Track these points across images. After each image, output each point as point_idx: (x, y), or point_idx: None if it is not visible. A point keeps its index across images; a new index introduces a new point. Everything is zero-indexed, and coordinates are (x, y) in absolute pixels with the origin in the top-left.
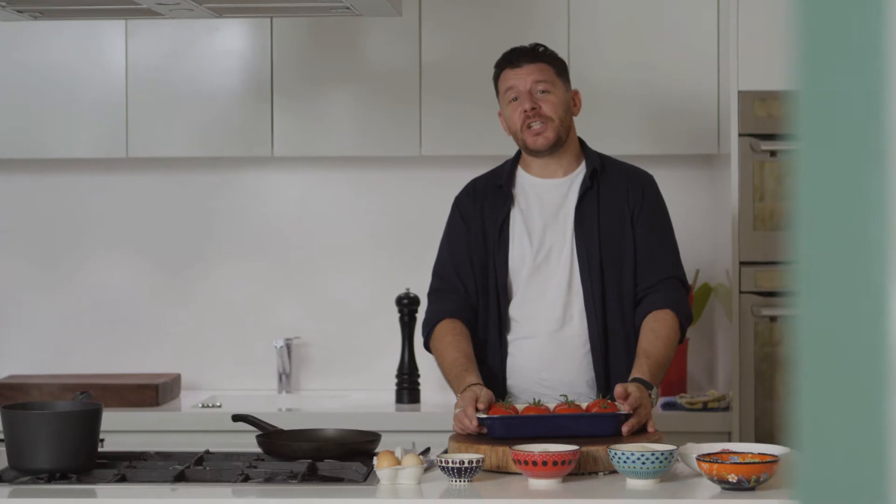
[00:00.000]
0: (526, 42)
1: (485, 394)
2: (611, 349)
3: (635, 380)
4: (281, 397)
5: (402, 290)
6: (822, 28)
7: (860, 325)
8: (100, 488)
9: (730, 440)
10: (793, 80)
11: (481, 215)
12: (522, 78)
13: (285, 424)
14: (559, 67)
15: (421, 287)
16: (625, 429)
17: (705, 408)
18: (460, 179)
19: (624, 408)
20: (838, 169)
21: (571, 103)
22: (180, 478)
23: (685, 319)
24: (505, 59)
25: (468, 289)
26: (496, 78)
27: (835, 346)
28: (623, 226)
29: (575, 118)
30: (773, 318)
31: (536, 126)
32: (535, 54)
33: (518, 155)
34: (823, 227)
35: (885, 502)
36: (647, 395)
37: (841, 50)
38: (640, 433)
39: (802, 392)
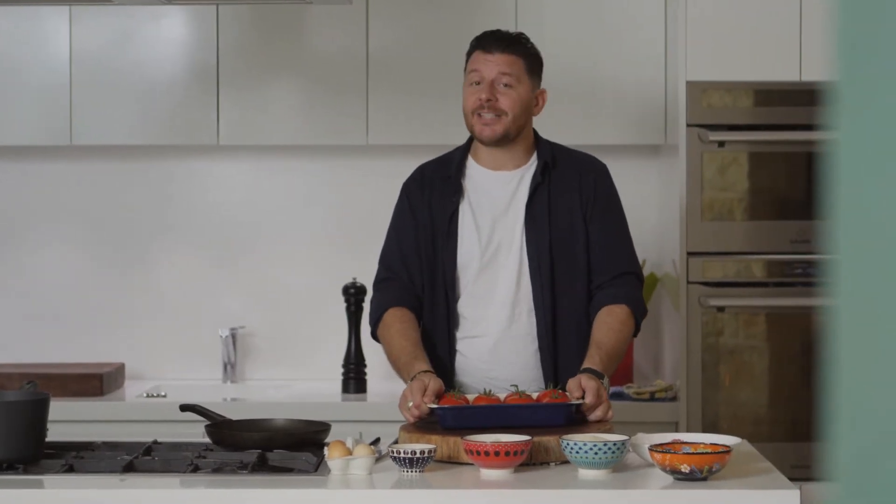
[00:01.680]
0: (470, 31)
1: (433, 382)
2: (559, 347)
3: (585, 370)
4: (226, 387)
5: (348, 280)
6: (864, 22)
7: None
8: (47, 479)
9: (677, 430)
10: (832, 73)
11: (429, 205)
12: (490, 66)
13: (231, 414)
14: (531, 64)
15: (367, 276)
16: (597, 414)
17: (652, 398)
18: (407, 168)
19: (575, 397)
20: (876, 162)
21: (533, 102)
22: (129, 468)
23: (640, 315)
24: (480, 41)
25: (414, 279)
26: (468, 55)
27: (872, 339)
28: (574, 220)
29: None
30: (719, 309)
31: (487, 117)
32: (510, 44)
33: (469, 143)
34: (861, 218)
35: None
36: (601, 382)
37: (882, 44)
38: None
39: (840, 385)
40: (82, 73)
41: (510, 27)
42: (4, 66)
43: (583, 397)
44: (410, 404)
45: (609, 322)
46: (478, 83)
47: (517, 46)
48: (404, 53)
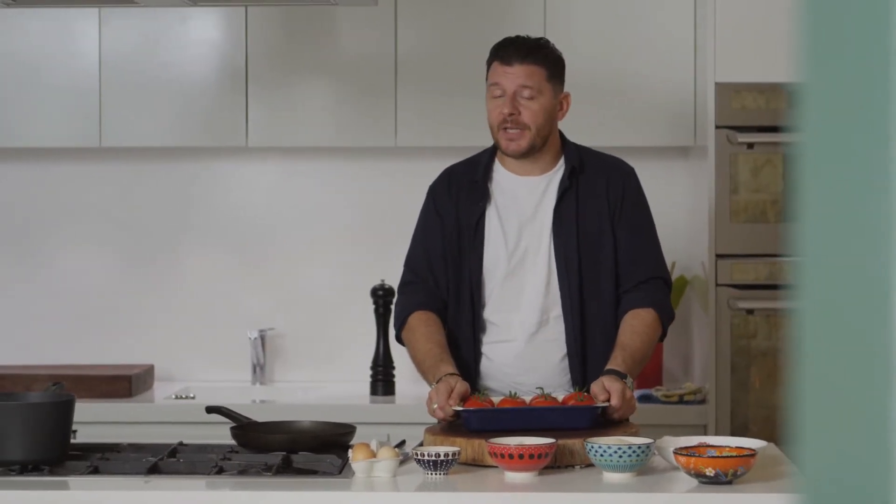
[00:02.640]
0: (498, 32)
1: (459, 385)
2: (588, 353)
3: (609, 371)
4: (255, 389)
5: (376, 282)
6: (828, 21)
7: (864, 319)
8: (72, 480)
9: (706, 433)
10: (798, 73)
11: (456, 209)
12: (510, 78)
13: (259, 416)
14: (552, 70)
15: (396, 278)
16: (617, 415)
17: (681, 401)
18: (435, 170)
19: (601, 399)
20: (842, 163)
21: (557, 107)
22: (153, 470)
23: (666, 319)
24: (499, 51)
25: (439, 283)
26: (488, 64)
27: (838, 341)
28: (602, 225)
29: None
30: (749, 311)
31: (512, 132)
32: (529, 54)
33: (495, 147)
34: (827, 220)
35: (890, 495)
36: (625, 386)
37: (846, 43)
38: (618, 424)
39: (805, 387)
40: (111, 75)
41: (539, 29)
42: (34, 69)
43: (608, 400)
44: (435, 406)
45: (634, 325)
46: (499, 96)
47: (536, 55)
48: (433, 55)
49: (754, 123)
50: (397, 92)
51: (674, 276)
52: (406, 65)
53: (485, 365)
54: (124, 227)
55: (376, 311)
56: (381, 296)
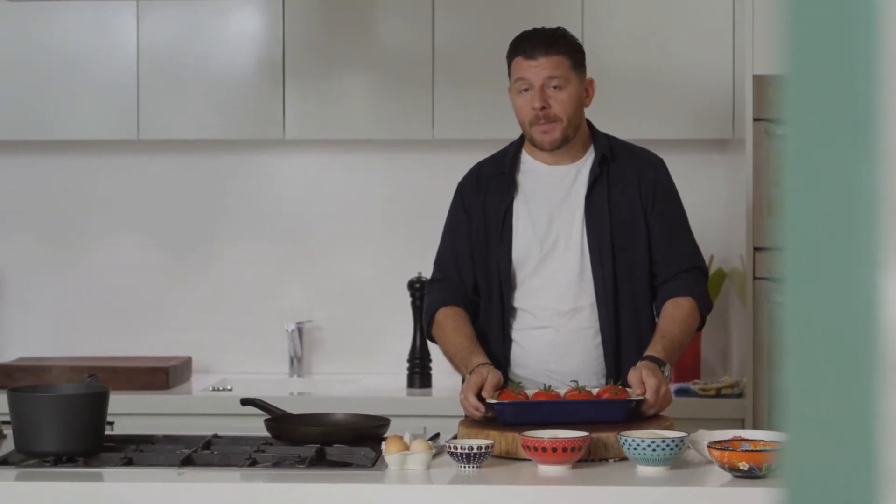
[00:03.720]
0: (537, 24)
1: (492, 375)
2: (622, 339)
3: (647, 357)
4: (292, 381)
5: (413, 274)
6: (812, 13)
7: (850, 313)
8: (106, 472)
9: (743, 427)
10: (782, 66)
11: (483, 205)
12: (535, 71)
13: (296, 408)
14: (575, 58)
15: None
16: (651, 412)
17: (719, 394)
18: (472, 163)
19: (637, 393)
20: (828, 155)
21: (584, 94)
22: (187, 462)
23: (705, 308)
24: (520, 45)
25: (465, 281)
26: (509, 60)
27: (824, 335)
28: (635, 213)
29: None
30: None
31: (545, 125)
32: (552, 45)
33: (522, 138)
34: (813, 213)
35: (872, 493)
36: (663, 376)
37: (831, 35)
38: (652, 418)
39: (790, 380)
40: (149, 67)
41: (577, 20)
42: (72, 61)
43: (643, 394)
44: (461, 396)
45: (674, 313)
46: (526, 90)
47: (559, 45)
48: (470, 47)
49: None
50: (434, 84)
51: (712, 270)
52: (443, 57)
53: (516, 352)
54: (162, 219)
55: (413, 303)
56: (417, 288)
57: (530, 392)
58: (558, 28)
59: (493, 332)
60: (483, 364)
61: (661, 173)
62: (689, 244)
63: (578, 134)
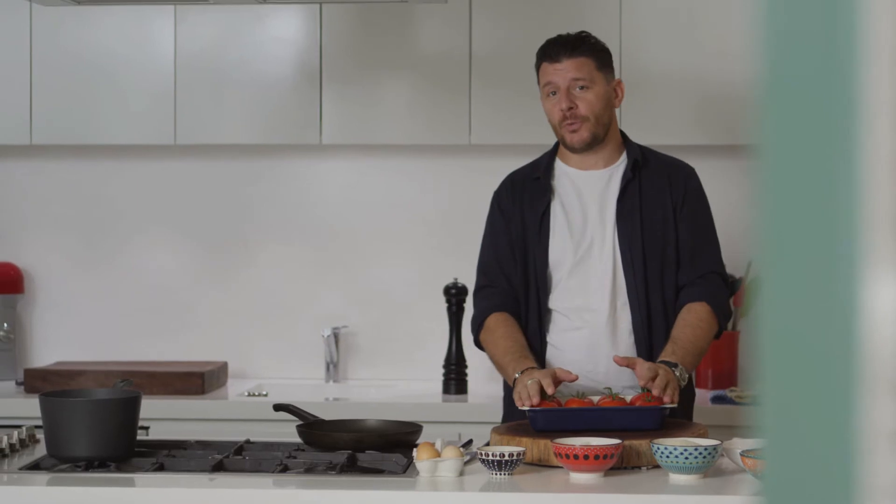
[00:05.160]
0: (573, 29)
1: (544, 377)
2: (654, 340)
3: (660, 363)
4: (328, 386)
5: (449, 280)
6: (789, 19)
7: (829, 323)
8: (137, 477)
9: None
10: (757, 75)
11: (521, 209)
12: (561, 74)
13: (332, 414)
14: (601, 59)
15: (469, 277)
16: (655, 391)
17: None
18: (509, 168)
19: (665, 400)
20: (806, 162)
21: (613, 95)
22: (218, 467)
23: (721, 313)
24: (545, 52)
25: (512, 282)
26: (537, 67)
27: (802, 344)
28: (666, 218)
29: (619, 108)
30: None
31: (573, 125)
32: (576, 47)
33: (557, 145)
34: (790, 221)
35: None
36: (667, 369)
37: (808, 37)
38: (671, 416)
39: (768, 390)
40: (187, 72)
41: (614, 25)
42: (110, 66)
43: (670, 401)
44: (529, 381)
45: (687, 318)
46: (554, 93)
47: (583, 47)
48: (507, 52)
49: None
50: (471, 89)
51: (750, 276)
52: (480, 62)
53: (551, 354)
54: (199, 224)
55: (449, 309)
56: (454, 294)
57: (563, 400)
58: (582, 32)
59: (529, 335)
60: (532, 368)
61: (691, 180)
62: (712, 250)
63: (609, 137)
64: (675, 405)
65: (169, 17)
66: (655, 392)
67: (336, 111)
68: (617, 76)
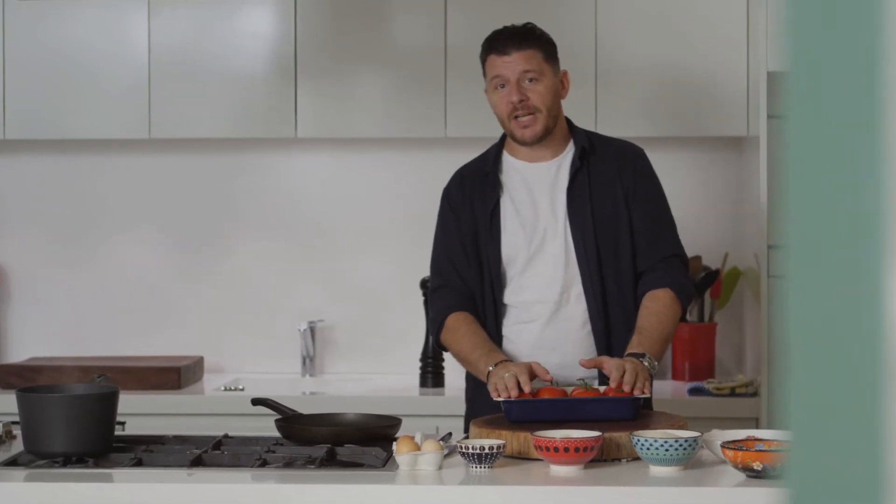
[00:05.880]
0: (551, 22)
1: (520, 369)
2: (612, 329)
3: (629, 355)
4: (304, 381)
5: (426, 273)
6: (816, 7)
7: (855, 314)
8: (115, 472)
9: (757, 426)
10: (785, 61)
11: (471, 205)
12: (510, 67)
13: (308, 408)
14: (548, 51)
15: None
16: (626, 388)
17: (733, 393)
18: None
19: (636, 392)
20: (832, 152)
21: (560, 87)
22: (197, 462)
23: (684, 297)
24: (492, 43)
25: (466, 280)
26: (483, 59)
27: (829, 336)
28: (617, 204)
29: (593, 101)
30: None
31: (524, 119)
32: (524, 39)
33: (504, 137)
34: (817, 212)
35: (877, 498)
36: (635, 361)
37: (835, 29)
38: (645, 408)
39: (794, 381)
40: (161, 66)
41: (590, 18)
42: (85, 60)
43: (633, 390)
44: (507, 374)
45: (650, 307)
46: (503, 86)
47: (531, 40)
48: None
49: None
50: (447, 82)
51: (726, 268)
52: (456, 55)
53: (506, 346)
54: (174, 218)
55: (425, 302)
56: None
57: (537, 388)
58: (528, 23)
59: (487, 328)
60: (506, 361)
61: (640, 163)
62: (669, 233)
63: (557, 128)
64: (647, 395)
65: (143, 10)
66: (626, 389)
67: (311, 104)
68: (591, 69)
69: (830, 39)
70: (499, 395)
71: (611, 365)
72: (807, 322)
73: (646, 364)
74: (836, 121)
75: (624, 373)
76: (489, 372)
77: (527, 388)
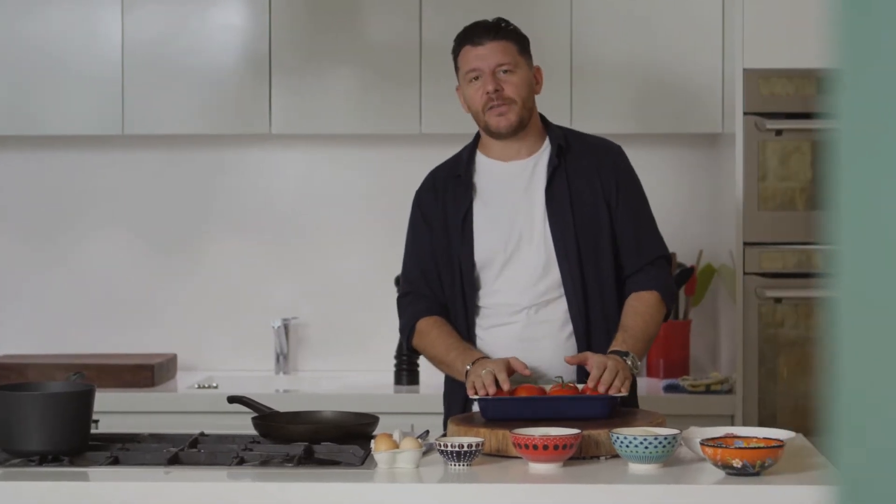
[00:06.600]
0: (526, 18)
1: (497, 366)
2: (593, 329)
3: (611, 352)
4: (278, 378)
5: (400, 270)
6: (864, 7)
7: None
8: (92, 471)
9: (732, 423)
10: (833, 60)
11: (443, 210)
12: (485, 58)
13: (282, 406)
14: (522, 45)
15: None
16: (601, 388)
17: (708, 390)
18: None
19: (613, 391)
20: (879, 151)
21: (534, 81)
22: (174, 461)
23: (669, 298)
24: (466, 36)
25: (435, 290)
26: (455, 54)
27: (877, 333)
28: (596, 201)
29: (570, 97)
30: (777, 300)
31: (500, 108)
32: (498, 31)
33: (477, 139)
34: (864, 208)
35: None
36: (618, 359)
37: (884, 26)
38: (625, 404)
39: (841, 379)
40: (134, 62)
41: (565, 15)
42: (56, 56)
43: (611, 390)
44: (484, 372)
45: (636, 306)
46: (478, 78)
47: (505, 32)
48: None
49: (783, 110)
50: (422, 79)
51: (701, 265)
52: (430, 51)
53: (482, 349)
54: (147, 215)
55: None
56: None
57: (515, 385)
58: (501, 18)
59: (459, 332)
60: (484, 358)
61: (619, 160)
62: (652, 234)
63: (531, 124)
64: (625, 394)
65: (116, 5)
66: (602, 389)
67: (285, 101)
68: (567, 65)
69: (880, 37)
70: (476, 393)
71: (593, 362)
72: (855, 328)
73: (628, 363)
74: (888, 122)
75: (605, 371)
76: (467, 370)
77: (505, 386)
